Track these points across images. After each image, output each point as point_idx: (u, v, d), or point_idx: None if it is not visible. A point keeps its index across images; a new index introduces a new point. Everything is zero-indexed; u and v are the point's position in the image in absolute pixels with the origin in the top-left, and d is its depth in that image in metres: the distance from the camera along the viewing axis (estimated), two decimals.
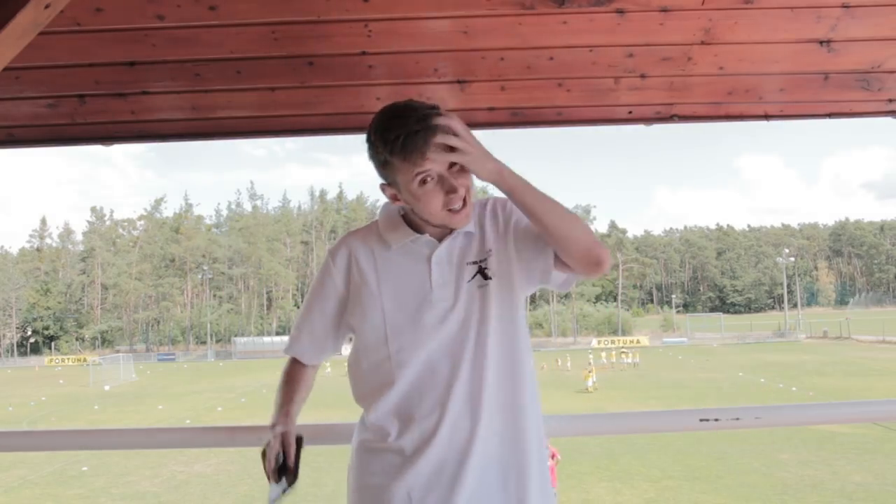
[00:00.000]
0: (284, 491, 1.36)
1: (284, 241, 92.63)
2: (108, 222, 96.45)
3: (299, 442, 1.42)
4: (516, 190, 1.31)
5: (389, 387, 1.38)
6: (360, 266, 1.44)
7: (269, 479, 1.37)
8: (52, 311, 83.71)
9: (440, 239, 1.42)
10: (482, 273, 1.41)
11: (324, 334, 1.52)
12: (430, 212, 1.35)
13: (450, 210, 1.34)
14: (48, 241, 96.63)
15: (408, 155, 1.29)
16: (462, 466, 1.32)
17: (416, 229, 1.43)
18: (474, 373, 1.35)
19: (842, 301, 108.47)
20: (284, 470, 1.37)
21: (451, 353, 1.36)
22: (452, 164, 1.32)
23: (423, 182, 1.32)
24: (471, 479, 1.32)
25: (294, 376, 1.57)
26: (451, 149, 1.27)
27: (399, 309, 1.39)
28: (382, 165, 1.36)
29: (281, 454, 1.38)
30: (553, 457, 12.57)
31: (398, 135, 1.29)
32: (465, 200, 1.35)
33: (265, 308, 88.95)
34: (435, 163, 1.30)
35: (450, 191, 1.32)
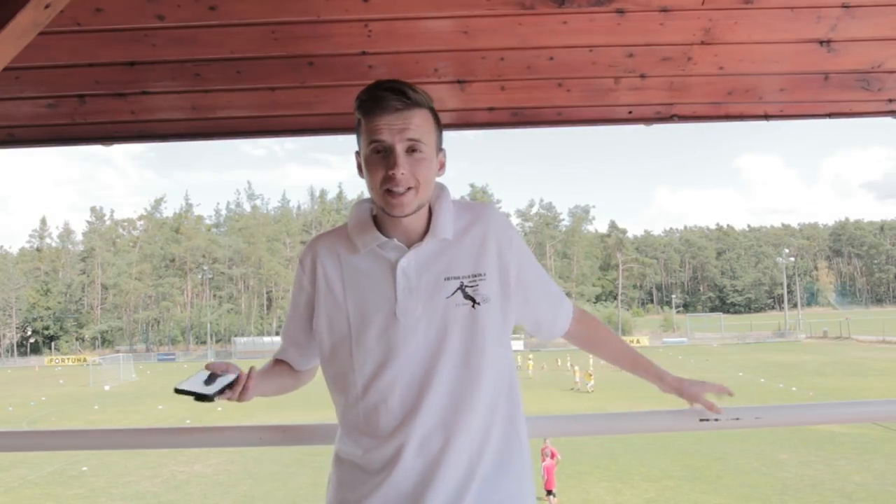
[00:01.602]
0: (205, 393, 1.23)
1: (284, 241, 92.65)
2: (108, 222, 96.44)
3: (231, 381, 1.29)
4: None
5: (355, 402, 1.33)
6: (326, 272, 1.37)
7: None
8: (52, 311, 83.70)
9: (409, 244, 1.34)
10: (464, 292, 1.32)
11: (307, 341, 1.45)
12: (372, 186, 1.29)
13: (387, 190, 1.27)
14: (48, 241, 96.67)
15: (370, 115, 1.27)
16: (427, 490, 1.26)
17: (385, 233, 1.35)
18: (444, 395, 1.28)
19: (840, 301, 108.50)
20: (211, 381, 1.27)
21: (419, 372, 1.29)
22: (412, 150, 1.27)
23: (376, 151, 1.27)
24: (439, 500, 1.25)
25: (277, 367, 1.50)
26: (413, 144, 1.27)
27: (363, 319, 1.32)
28: (356, 127, 1.34)
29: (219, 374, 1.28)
30: (553, 456, 12.58)
31: (372, 93, 1.27)
32: (410, 189, 1.27)
33: (265, 308, 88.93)
34: (392, 134, 1.25)
35: (389, 167, 1.25)
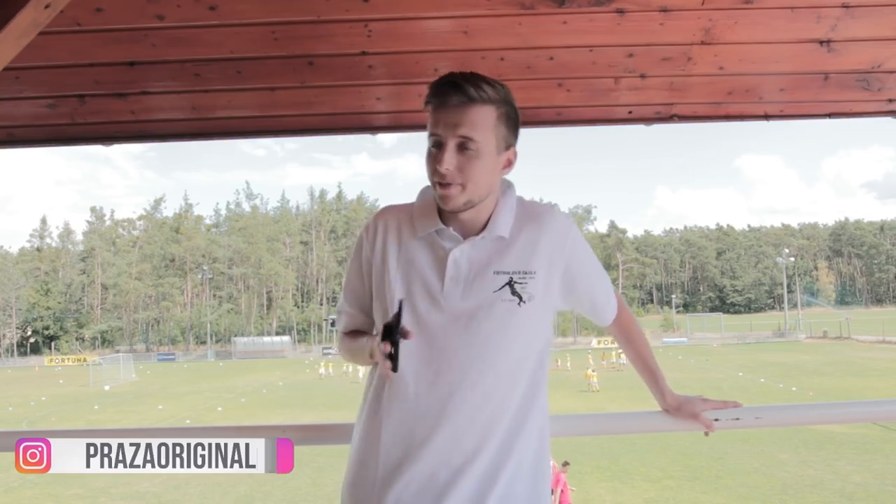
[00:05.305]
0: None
1: (284, 241, 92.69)
2: (108, 222, 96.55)
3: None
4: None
5: (386, 387, 1.32)
6: (385, 247, 1.39)
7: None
8: (52, 311, 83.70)
9: (465, 236, 1.35)
10: (512, 288, 1.32)
11: (369, 304, 1.45)
12: (428, 175, 1.32)
13: (437, 182, 1.30)
14: (48, 241, 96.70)
15: (432, 108, 1.29)
16: (452, 484, 1.25)
17: (445, 221, 1.36)
18: (479, 386, 1.28)
19: (842, 301, 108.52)
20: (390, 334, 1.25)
21: (457, 361, 1.29)
22: (463, 147, 1.27)
23: (433, 144, 1.30)
24: (460, 498, 1.25)
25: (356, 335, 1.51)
26: (464, 140, 1.27)
27: (407, 298, 1.32)
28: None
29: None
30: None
31: (437, 87, 1.29)
32: (457, 185, 1.28)
33: (265, 308, 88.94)
34: (446, 129, 1.27)
35: (437, 161, 1.27)
